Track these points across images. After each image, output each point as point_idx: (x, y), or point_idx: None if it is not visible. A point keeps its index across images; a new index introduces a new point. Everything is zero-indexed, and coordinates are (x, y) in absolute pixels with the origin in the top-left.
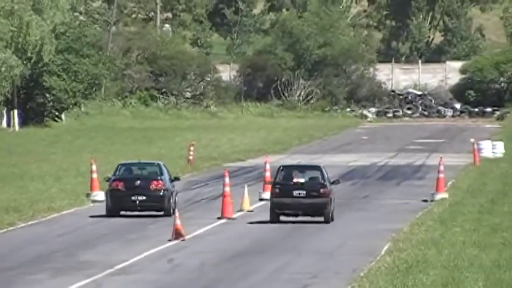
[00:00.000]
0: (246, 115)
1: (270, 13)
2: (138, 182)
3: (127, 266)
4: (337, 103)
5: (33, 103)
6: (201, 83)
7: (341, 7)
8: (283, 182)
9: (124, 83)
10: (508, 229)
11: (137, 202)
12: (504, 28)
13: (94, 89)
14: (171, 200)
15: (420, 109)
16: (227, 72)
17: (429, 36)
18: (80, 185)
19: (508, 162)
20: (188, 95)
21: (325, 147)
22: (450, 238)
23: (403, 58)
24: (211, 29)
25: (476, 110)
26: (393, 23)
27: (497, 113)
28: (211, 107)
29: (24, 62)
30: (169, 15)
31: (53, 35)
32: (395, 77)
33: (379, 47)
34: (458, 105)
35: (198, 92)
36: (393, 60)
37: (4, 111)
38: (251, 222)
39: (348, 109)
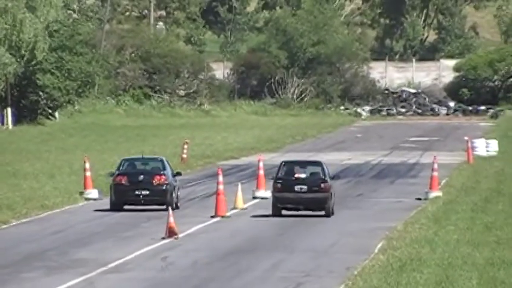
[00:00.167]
0: (239, 113)
1: (264, 11)
2: (142, 176)
3: (120, 264)
4: (331, 101)
5: (26, 101)
6: (195, 81)
7: (335, 5)
8: (285, 177)
9: (117, 81)
10: (501, 227)
11: (141, 196)
12: (498, 26)
13: (87, 87)
14: (174, 194)
15: (414, 107)
16: (221, 70)
17: (423, 34)
18: (74, 183)
19: (502, 160)
20: (182, 93)
21: (319, 145)
22: (444, 236)
23: (397, 56)
24: (204, 27)
25: (470, 108)
26: (387, 21)
27: (491, 111)
28: (205, 105)
29: (18, 60)
30: (163, 13)
31: (46, 32)
32: (389, 75)
33: (373, 45)
34: (452, 104)
35: (191, 90)
36: (387, 58)
37: None
38: (248, 218)
39: (342, 107)
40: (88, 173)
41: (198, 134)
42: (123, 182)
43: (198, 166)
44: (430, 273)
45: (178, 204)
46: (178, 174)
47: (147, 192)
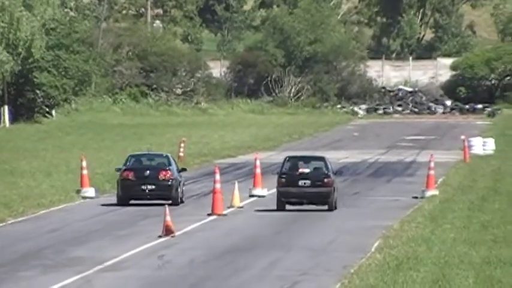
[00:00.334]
0: (236, 112)
1: (261, 9)
2: (148, 172)
3: (117, 262)
4: (327, 100)
5: (23, 99)
6: (192, 79)
7: (332, 4)
8: (289, 172)
9: (114, 79)
10: (498, 226)
11: (146, 191)
12: (495, 25)
13: (84, 85)
14: (179, 190)
15: (411, 106)
16: (218, 69)
17: (420, 33)
18: (70, 182)
19: (499, 159)
20: (179, 91)
21: (315, 143)
22: (440, 235)
23: (393, 55)
24: (201, 26)
25: (467, 106)
26: (384, 20)
27: (488, 109)
28: (202, 103)
29: (15, 58)
30: (160, 11)
31: (43, 31)
32: (386, 73)
33: (369, 43)
34: (449, 102)
35: (188, 89)
36: (384, 57)
37: None
38: (245, 216)
39: (339, 106)
40: (85, 171)
41: (195, 132)
42: (130, 177)
43: (195, 164)
44: (426, 271)
45: (184, 199)
46: (184, 170)
47: (153, 187)
